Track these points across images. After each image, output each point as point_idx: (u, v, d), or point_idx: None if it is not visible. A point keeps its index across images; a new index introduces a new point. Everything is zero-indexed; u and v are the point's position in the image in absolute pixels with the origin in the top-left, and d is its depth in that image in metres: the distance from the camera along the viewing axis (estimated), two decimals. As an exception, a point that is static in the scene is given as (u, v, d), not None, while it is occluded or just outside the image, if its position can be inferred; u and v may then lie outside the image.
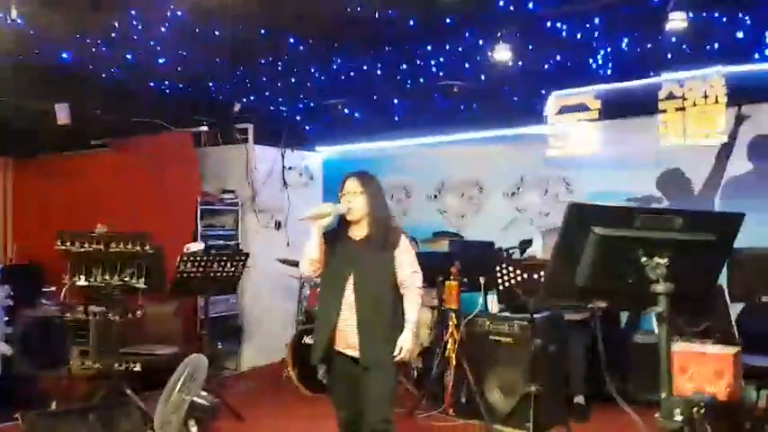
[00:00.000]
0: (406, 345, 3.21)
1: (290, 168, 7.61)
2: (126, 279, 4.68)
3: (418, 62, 5.41)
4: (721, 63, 4.95)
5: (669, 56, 5.00)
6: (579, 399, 5.21)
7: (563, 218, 2.21)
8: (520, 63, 5.11)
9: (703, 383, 3.84)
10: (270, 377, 6.54)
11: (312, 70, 5.72)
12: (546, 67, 5.40)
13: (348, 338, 3.21)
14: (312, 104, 6.96)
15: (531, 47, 4.98)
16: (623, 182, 5.95)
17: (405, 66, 5.54)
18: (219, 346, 6.42)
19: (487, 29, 4.79)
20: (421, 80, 5.85)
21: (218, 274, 5.28)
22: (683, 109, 5.08)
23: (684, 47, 4.81)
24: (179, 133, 7.10)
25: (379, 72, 5.64)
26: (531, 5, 4.42)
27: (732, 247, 2.35)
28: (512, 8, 4.41)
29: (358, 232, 3.32)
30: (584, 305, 2.57)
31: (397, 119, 6.70)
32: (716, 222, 2.31)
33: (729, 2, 4.32)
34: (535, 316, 4.63)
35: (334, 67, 5.55)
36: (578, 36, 4.83)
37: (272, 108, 7.07)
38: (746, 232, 2.36)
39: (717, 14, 4.44)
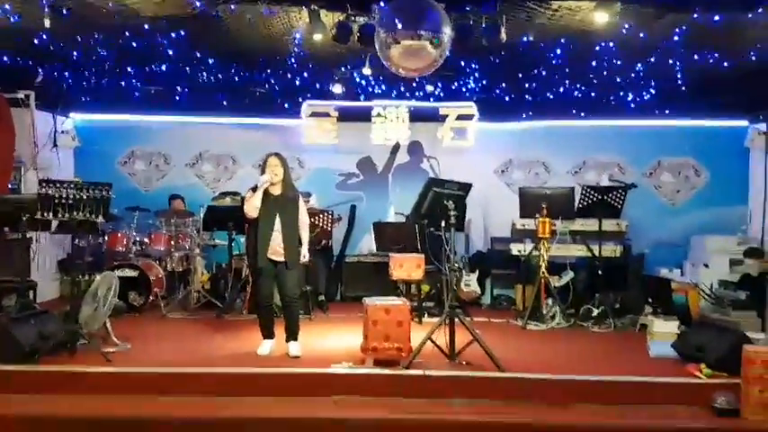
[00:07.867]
0: (306, 253, 5.81)
1: (62, 132, 8.74)
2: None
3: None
4: (407, 99, 8.72)
5: (378, 91, 8.54)
6: (321, 297, 8.36)
7: (425, 183, 5.41)
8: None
9: (411, 271, 7.41)
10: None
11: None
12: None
13: (276, 250, 5.55)
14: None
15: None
16: (337, 162, 9.31)
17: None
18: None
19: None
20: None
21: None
22: (384, 123, 8.68)
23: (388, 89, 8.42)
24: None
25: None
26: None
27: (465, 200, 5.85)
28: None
29: (276, 191, 5.62)
30: (421, 223, 5.80)
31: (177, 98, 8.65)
32: (465, 187, 5.74)
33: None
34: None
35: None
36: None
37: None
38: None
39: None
